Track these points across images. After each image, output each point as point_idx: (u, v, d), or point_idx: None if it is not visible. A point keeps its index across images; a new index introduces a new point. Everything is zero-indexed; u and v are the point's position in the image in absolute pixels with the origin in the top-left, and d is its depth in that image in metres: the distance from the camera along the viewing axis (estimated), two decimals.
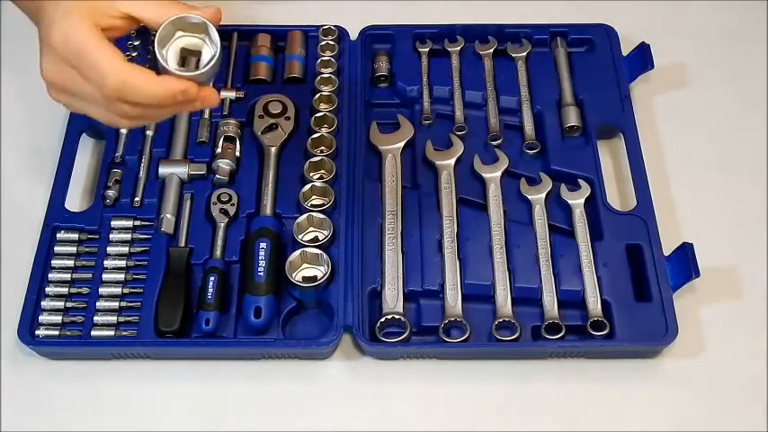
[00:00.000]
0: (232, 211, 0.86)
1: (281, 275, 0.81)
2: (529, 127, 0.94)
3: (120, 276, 0.83)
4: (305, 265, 0.83)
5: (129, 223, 0.86)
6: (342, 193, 0.87)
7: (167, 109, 0.71)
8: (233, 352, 0.81)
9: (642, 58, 0.97)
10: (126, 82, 0.66)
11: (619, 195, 0.91)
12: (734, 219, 0.90)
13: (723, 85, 1.00)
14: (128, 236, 0.86)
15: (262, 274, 0.81)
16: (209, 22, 0.70)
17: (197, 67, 0.70)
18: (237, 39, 0.99)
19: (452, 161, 0.91)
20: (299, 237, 0.84)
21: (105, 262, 0.84)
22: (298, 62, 0.97)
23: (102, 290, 0.82)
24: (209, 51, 0.70)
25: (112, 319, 0.81)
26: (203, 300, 0.80)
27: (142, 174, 0.89)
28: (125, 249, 0.85)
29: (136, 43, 0.99)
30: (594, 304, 0.82)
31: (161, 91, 0.67)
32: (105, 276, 0.83)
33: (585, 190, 0.88)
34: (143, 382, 0.80)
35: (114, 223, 0.86)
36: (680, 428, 0.78)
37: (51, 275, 0.83)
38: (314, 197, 0.88)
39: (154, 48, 0.69)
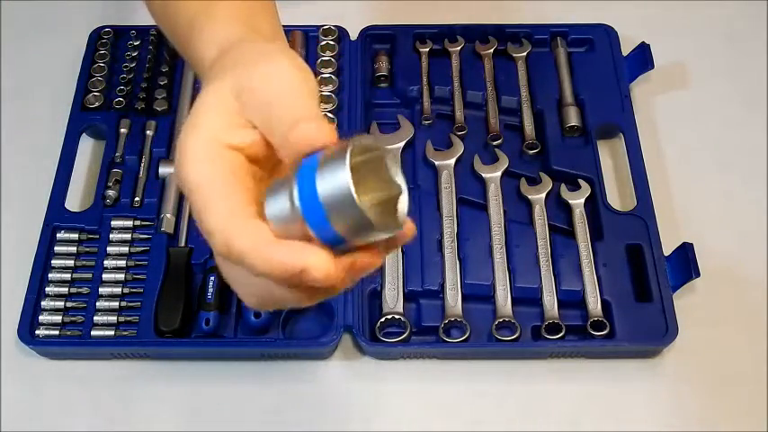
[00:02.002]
0: None
1: None
2: (529, 127, 0.94)
3: (120, 276, 0.83)
4: None
5: (129, 223, 0.86)
6: None
7: (304, 293, 0.48)
8: (233, 352, 0.81)
9: (642, 58, 0.97)
10: (230, 244, 0.46)
11: (619, 195, 0.91)
12: (734, 219, 0.90)
13: (723, 85, 1.00)
14: (128, 236, 0.85)
15: None
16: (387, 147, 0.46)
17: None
18: None
19: (452, 161, 0.91)
20: None
21: (105, 262, 0.84)
22: None
23: (102, 290, 0.82)
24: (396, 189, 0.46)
25: (112, 318, 0.81)
26: (203, 300, 0.80)
27: (142, 174, 0.89)
28: (125, 249, 0.85)
29: (136, 43, 0.98)
30: (594, 304, 0.82)
31: (266, 265, 0.45)
32: (105, 276, 0.83)
33: (585, 190, 0.88)
34: (143, 382, 0.80)
35: (114, 223, 0.86)
36: (680, 428, 0.78)
37: (51, 275, 0.83)
38: None
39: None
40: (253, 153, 0.50)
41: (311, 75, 0.52)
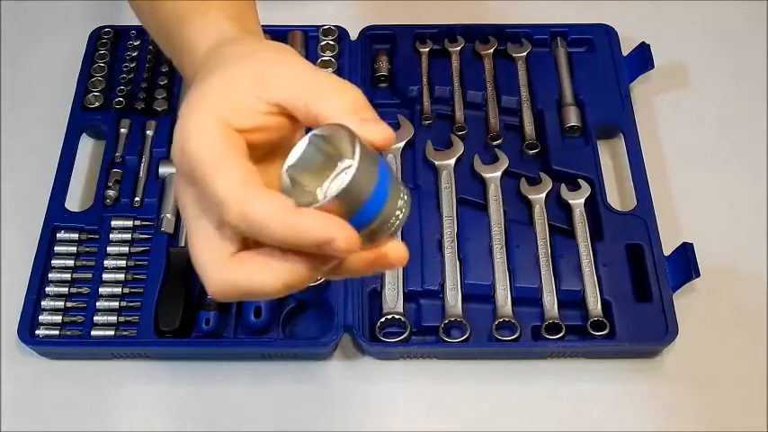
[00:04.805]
0: None
1: None
2: (529, 127, 0.94)
3: (121, 276, 0.83)
4: None
5: (130, 223, 0.86)
6: None
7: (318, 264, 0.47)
8: (233, 352, 0.81)
9: (642, 58, 0.97)
10: (246, 214, 0.45)
11: (619, 195, 0.91)
12: (734, 219, 0.90)
13: (723, 85, 1.00)
14: (128, 236, 0.85)
15: None
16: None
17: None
18: None
19: (452, 161, 0.91)
20: None
21: (105, 262, 0.84)
22: None
23: (102, 290, 0.82)
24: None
25: (112, 318, 0.81)
26: (203, 300, 0.81)
27: (142, 174, 0.89)
28: (125, 249, 0.85)
29: (136, 43, 0.98)
30: (594, 304, 0.82)
31: (289, 233, 0.44)
32: (105, 276, 0.83)
33: (585, 190, 0.88)
34: (143, 382, 0.80)
35: (114, 223, 0.86)
36: (680, 428, 0.78)
37: (51, 275, 0.83)
38: None
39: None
40: (253, 139, 0.49)
41: None
